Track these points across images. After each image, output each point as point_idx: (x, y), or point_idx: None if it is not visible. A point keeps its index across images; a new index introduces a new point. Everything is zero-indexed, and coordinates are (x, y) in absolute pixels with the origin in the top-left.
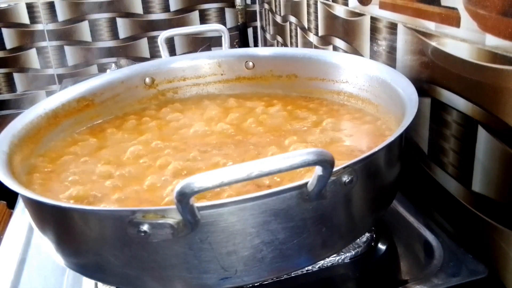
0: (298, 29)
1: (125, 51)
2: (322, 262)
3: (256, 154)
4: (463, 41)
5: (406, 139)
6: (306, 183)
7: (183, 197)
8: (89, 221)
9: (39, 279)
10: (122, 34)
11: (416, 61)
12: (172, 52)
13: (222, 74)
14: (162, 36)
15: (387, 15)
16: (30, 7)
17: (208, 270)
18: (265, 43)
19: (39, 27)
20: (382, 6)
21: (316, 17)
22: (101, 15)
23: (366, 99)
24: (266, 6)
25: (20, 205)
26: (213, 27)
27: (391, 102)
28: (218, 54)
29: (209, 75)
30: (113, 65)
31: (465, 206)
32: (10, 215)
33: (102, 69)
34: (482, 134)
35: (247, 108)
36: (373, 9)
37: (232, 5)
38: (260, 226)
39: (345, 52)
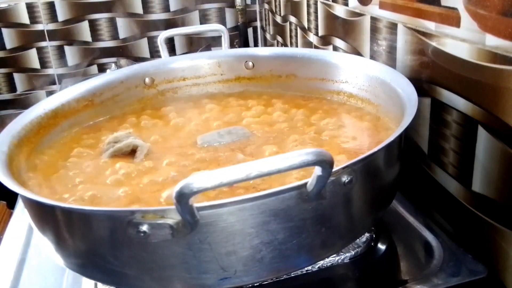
0: (298, 29)
1: (125, 51)
2: (321, 262)
3: (256, 153)
4: (463, 41)
5: (406, 139)
6: (306, 183)
7: (182, 198)
8: (88, 221)
9: (39, 279)
10: (122, 34)
11: (416, 61)
12: (172, 52)
13: (222, 74)
14: (162, 36)
15: (387, 15)
16: (30, 7)
17: (207, 271)
18: (265, 43)
19: (39, 27)
20: (382, 6)
21: (316, 17)
22: (101, 15)
23: (365, 99)
24: (266, 6)
25: (20, 205)
26: (213, 27)
27: (390, 102)
28: (218, 54)
29: (208, 75)
30: (113, 65)
31: (465, 206)
32: (10, 215)
33: (102, 69)
34: (482, 134)
35: (247, 108)
36: (373, 9)
37: (232, 5)
38: (259, 226)
39: (345, 52)
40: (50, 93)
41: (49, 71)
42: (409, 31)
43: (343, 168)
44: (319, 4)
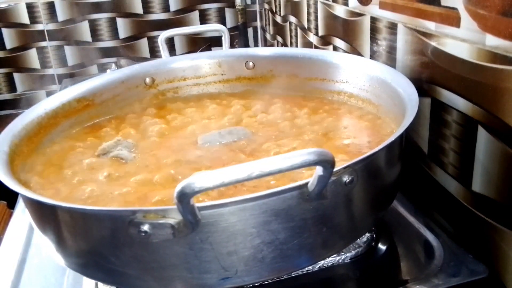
0: (298, 29)
1: (125, 51)
2: (322, 262)
3: (257, 153)
4: (463, 41)
5: (406, 139)
6: (307, 183)
7: (184, 197)
8: (89, 221)
9: (40, 279)
10: (122, 34)
11: (416, 61)
12: (172, 52)
13: (222, 74)
14: (162, 36)
15: (387, 15)
16: (30, 7)
17: (208, 270)
18: (265, 43)
19: (39, 27)
20: (382, 6)
21: (316, 17)
22: (101, 15)
23: (366, 99)
24: (266, 6)
25: (20, 205)
26: (213, 27)
27: (391, 102)
28: (218, 54)
29: (209, 75)
30: (113, 65)
31: (465, 206)
32: (10, 215)
33: (102, 69)
34: (482, 134)
35: (248, 107)
36: (373, 9)
37: (232, 5)
38: (260, 226)
39: (345, 52)
40: (50, 93)
41: (49, 71)
42: (409, 31)
43: (344, 168)
44: (319, 4)
